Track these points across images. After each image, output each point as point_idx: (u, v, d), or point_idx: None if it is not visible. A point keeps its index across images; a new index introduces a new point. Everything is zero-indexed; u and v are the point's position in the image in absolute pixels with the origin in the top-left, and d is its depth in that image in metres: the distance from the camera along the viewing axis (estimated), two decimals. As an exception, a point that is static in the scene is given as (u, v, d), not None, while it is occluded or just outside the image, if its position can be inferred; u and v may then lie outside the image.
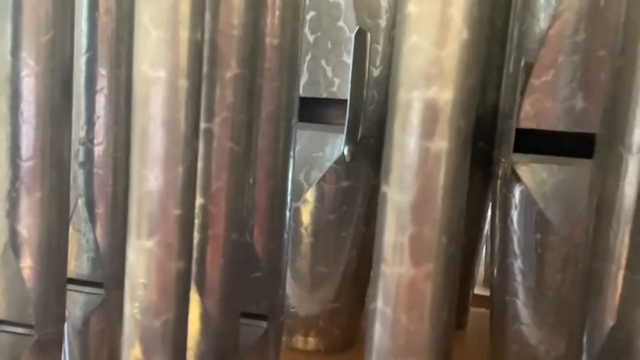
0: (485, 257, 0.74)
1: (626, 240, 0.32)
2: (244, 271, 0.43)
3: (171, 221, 0.35)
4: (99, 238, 0.46)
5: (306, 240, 0.59)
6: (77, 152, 0.45)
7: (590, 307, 0.35)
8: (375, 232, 0.32)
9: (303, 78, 0.56)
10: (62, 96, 0.39)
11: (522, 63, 0.48)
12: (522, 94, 0.48)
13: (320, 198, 0.58)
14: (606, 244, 0.33)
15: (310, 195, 0.58)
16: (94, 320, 0.48)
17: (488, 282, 0.70)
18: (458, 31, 0.28)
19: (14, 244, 0.40)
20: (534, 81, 0.47)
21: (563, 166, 0.48)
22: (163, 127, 0.34)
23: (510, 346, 0.52)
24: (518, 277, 0.51)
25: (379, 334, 0.32)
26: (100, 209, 0.46)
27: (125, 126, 0.44)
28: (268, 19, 0.41)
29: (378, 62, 0.56)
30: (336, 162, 0.57)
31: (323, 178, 0.57)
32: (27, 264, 0.40)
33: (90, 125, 0.45)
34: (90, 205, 0.46)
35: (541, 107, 0.47)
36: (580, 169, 0.46)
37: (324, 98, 0.57)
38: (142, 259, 0.36)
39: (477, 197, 0.60)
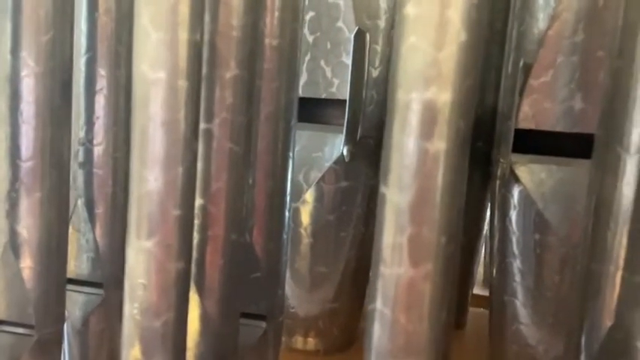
0: (485, 257, 0.74)
1: (624, 240, 0.32)
2: (244, 272, 0.44)
3: (171, 222, 0.35)
4: (98, 239, 0.46)
5: (306, 240, 0.59)
6: (77, 152, 0.45)
7: (588, 308, 0.35)
8: (374, 233, 0.32)
9: (303, 78, 0.56)
10: (62, 96, 0.39)
11: (521, 64, 0.48)
12: (521, 94, 0.48)
13: (319, 198, 0.58)
14: (604, 244, 0.33)
15: (309, 195, 0.58)
16: (93, 320, 0.48)
17: (487, 282, 0.70)
18: (456, 32, 0.28)
19: (14, 244, 0.40)
20: (533, 81, 0.47)
21: (561, 166, 0.48)
22: (163, 127, 0.34)
23: (509, 346, 0.52)
24: (517, 277, 0.51)
25: (378, 334, 0.32)
26: (99, 209, 0.46)
27: (125, 126, 0.44)
28: (267, 20, 0.41)
29: (377, 63, 0.56)
30: (336, 162, 0.57)
31: (322, 179, 0.57)
32: (27, 264, 0.40)
33: (89, 126, 0.45)
34: (89, 206, 0.46)
35: (540, 108, 0.47)
36: (579, 170, 0.46)
37: (324, 99, 0.57)
38: (142, 260, 0.36)
39: (476, 197, 0.60)
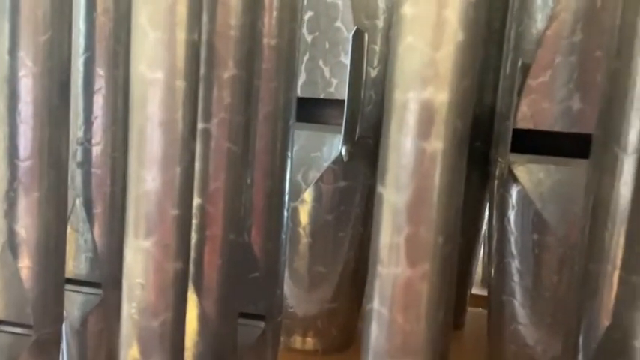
0: (483, 257, 0.74)
1: (622, 240, 0.32)
2: (242, 272, 0.44)
3: (169, 221, 0.35)
4: (97, 238, 0.46)
5: (304, 240, 0.59)
6: (75, 152, 0.45)
7: (586, 308, 0.35)
8: (372, 233, 0.32)
9: (301, 78, 0.56)
10: (60, 96, 0.39)
11: (519, 64, 0.48)
12: (519, 94, 0.48)
13: (318, 198, 0.58)
14: (601, 244, 0.33)
15: (308, 195, 0.58)
16: (92, 320, 0.48)
17: (485, 282, 0.70)
18: (453, 32, 0.28)
19: (12, 244, 0.40)
20: (531, 82, 0.47)
21: (560, 166, 0.48)
22: (161, 127, 0.34)
23: (508, 346, 0.52)
24: (516, 277, 0.51)
25: (376, 334, 0.32)
26: (98, 209, 0.46)
27: (123, 126, 0.44)
28: (265, 20, 0.41)
29: (375, 63, 0.56)
30: (334, 162, 0.57)
31: (321, 179, 0.57)
32: (25, 264, 0.40)
33: (88, 125, 0.45)
34: (88, 206, 0.46)
35: (538, 108, 0.47)
36: (577, 170, 0.46)
37: (322, 98, 0.57)
38: (140, 259, 0.36)
39: (474, 197, 0.61)
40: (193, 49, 0.34)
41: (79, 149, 0.45)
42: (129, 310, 0.37)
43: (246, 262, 0.44)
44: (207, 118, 0.38)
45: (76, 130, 0.45)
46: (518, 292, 0.51)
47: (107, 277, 0.47)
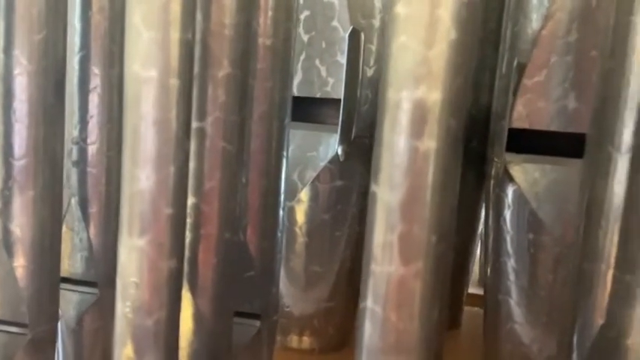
0: (479, 256, 0.74)
1: (615, 239, 0.32)
2: (237, 270, 0.44)
3: (163, 220, 0.35)
4: (92, 237, 0.46)
5: (301, 239, 0.59)
6: (70, 151, 0.45)
7: (580, 306, 0.35)
8: (365, 232, 0.32)
9: (297, 77, 0.56)
10: (55, 95, 0.39)
11: (515, 63, 0.48)
12: (515, 94, 0.48)
13: (314, 197, 0.58)
14: (596, 243, 0.33)
15: (304, 194, 0.58)
16: (87, 319, 0.48)
17: (482, 281, 0.70)
18: (446, 31, 0.28)
19: (7, 242, 0.40)
20: (527, 81, 0.47)
21: (555, 165, 0.48)
22: (155, 126, 0.34)
23: (504, 345, 0.52)
24: (512, 277, 0.51)
25: (369, 332, 0.32)
26: (93, 208, 0.46)
27: (118, 125, 0.44)
28: (261, 20, 0.41)
29: (371, 62, 0.56)
30: (330, 161, 0.57)
31: (317, 178, 0.57)
32: (20, 263, 0.40)
33: (83, 124, 0.45)
34: (83, 204, 0.46)
35: (533, 107, 0.47)
36: (572, 169, 0.46)
37: (318, 98, 0.57)
38: (134, 258, 0.36)
39: (470, 197, 0.61)
40: (187, 48, 0.34)
41: (75, 148, 0.45)
42: (123, 308, 0.37)
43: (242, 261, 0.44)
44: (202, 116, 0.38)
45: (72, 129, 0.45)
46: (514, 291, 0.51)
47: (103, 276, 0.47)
